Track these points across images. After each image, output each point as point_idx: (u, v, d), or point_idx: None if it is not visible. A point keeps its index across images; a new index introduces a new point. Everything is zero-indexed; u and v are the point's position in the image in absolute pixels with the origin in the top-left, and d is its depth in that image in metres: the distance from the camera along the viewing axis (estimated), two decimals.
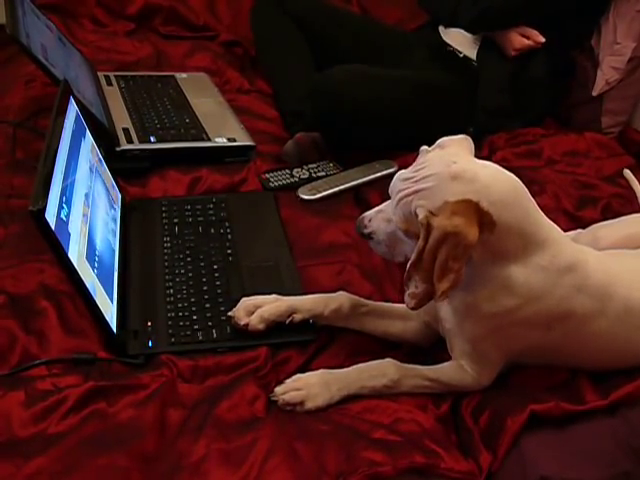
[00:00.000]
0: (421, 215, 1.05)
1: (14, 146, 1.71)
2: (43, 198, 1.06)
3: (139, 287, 1.37)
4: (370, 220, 1.19)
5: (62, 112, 1.28)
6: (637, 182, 1.77)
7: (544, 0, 1.94)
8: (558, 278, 1.12)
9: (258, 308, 1.27)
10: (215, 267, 1.43)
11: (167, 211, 1.58)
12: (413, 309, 1.12)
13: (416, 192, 1.07)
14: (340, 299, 1.29)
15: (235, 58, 2.36)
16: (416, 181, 1.08)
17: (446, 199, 1.04)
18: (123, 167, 1.68)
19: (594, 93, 2.04)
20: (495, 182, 1.08)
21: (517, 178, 1.12)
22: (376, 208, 1.20)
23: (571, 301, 1.14)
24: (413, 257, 1.07)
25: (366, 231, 1.19)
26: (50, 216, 1.07)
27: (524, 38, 1.94)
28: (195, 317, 1.31)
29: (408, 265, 1.09)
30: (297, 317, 1.27)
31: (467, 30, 2.02)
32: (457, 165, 1.07)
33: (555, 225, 1.17)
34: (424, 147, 1.16)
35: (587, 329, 1.17)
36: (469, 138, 1.16)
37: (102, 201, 1.38)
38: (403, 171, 1.13)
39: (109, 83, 2.05)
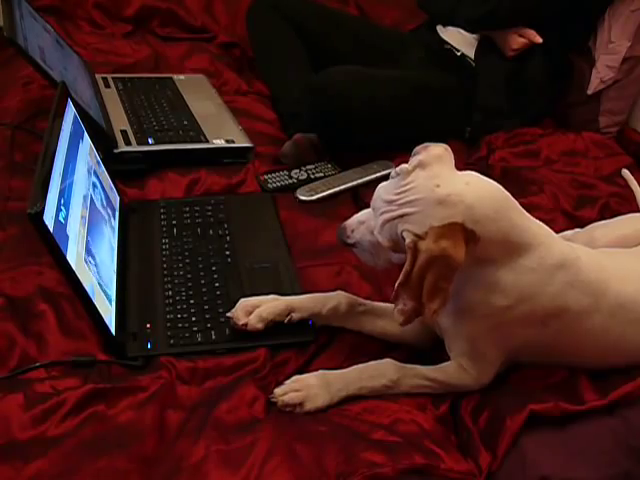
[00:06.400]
0: (408, 239, 1.06)
1: (12, 148, 1.71)
2: (41, 200, 1.06)
3: (138, 289, 1.37)
4: (353, 231, 1.19)
5: (60, 114, 1.28)
6: (635, 182, 1.77)
7: (548, 3, 1.94)
8: (549, 276, 1.13)
9: (256, 308, 1.27)
10: (214, 269, 1.43)
11: (165, 213, 1.58)
12: (402, 325, 1.13)
13: (401, 216, 1.08)
14: (338, 297, 1.29)
15: (233, 60, 2.36)
16: (400, 204, 1.08)
17: (432, 224, 1.05)
18: (121, 169, 1.68)
19: (589, 92, 2.05)
20: (479, 200, 1.07)
21: (499, 186, 1.12)
22: (356, 217, 1.19)
23: (565, 297, 1.15)
24: (401, 278, 1.08)
25: (349, 241, 1.20)
26: (48, 218, 1.07)
27: (521, 37, 1.95)
28: (194, 319, 1.31)
29: (396, 285, 1.09)
30: (295, 316, 1.27)
31: (467, 28, 2.02)
32: (441, 189, 1.07)
33: (543, 225, 1.17)
34: (403, 165, 1.12)
35: (582, 325, 1.18)
36: (448, 148, 1.14)
37: (100, 203, 1.38)
38: (385, 187, 1.13)
39: (107, 85, 2.05)
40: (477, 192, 1.09)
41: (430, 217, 1.06)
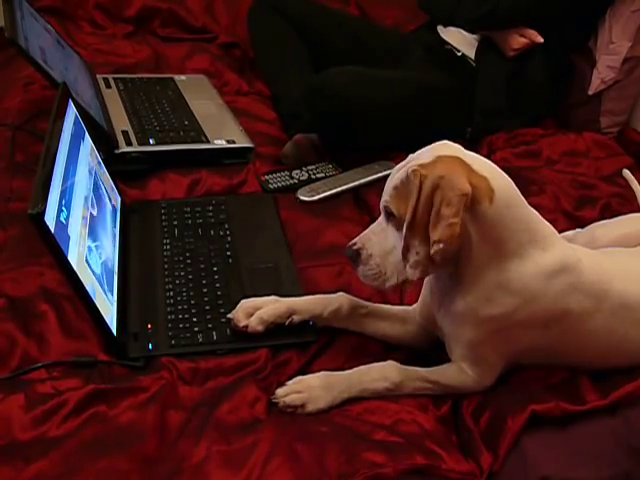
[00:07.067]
0: (412, 169, 1.07)
1: (13, 149, 1.71)
2: (42, 201, 1.06)
3: (139, 289, 1.37)
4: (359, 238, 1.18)
5: (61, 115, 1.28)
6: (636, 182, 1.77)
7: (548, 3, 1.94)
8: (551, 277, 1.13)
9: (257, 310, 1.27)
10: (215, 269, 1.43)
11: (166, 213, 1.58)
12: (420, 278, 1.12)
13: (408, 162, 1.11)
14: (339, 300, 1.29)
15: (234, 60, 2.37)
16: (409, 159, 1.12)
17: (438, 155, 1.08)
18: (122, 169, 1.68)
19: (590, 92, 2.05)
20: (487, 162, 1.12)
21: None
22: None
23: (567, 300, 1.14)
24: (408, 217, 1.07)
25: (356, 247, 1.17)
26: (49, 219, 1.07)
27: (522, 37, 1.95)
28: (195, 319, 1.31)
29: (404, 230, 1.08)
30: (296, 318, 1.27)
31: (467, 28, 2.02)
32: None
33: (548, 223, 1.17)
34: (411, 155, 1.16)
35: (584, 327, 1.18)
36: None
37: (101, 204, 1.38)
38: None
39: (108, 86, 2.05)
40: (492, 164, 1.13)
41: (436, 151, 1.09)
